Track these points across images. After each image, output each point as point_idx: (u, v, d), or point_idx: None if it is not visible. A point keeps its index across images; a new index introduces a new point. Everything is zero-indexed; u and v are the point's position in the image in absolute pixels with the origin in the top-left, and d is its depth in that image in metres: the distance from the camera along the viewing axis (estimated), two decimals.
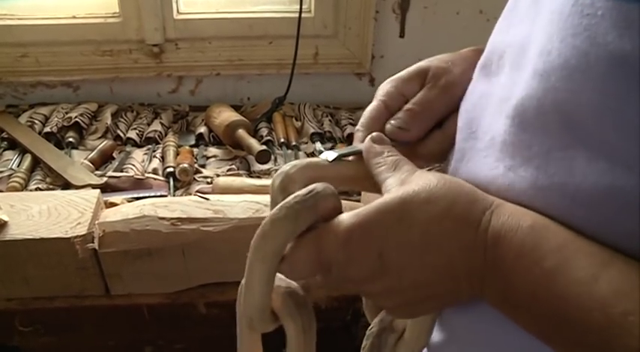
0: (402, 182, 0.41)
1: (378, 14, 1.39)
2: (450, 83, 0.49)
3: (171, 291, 0.90)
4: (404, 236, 0.38)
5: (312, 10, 1.36)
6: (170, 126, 1.32)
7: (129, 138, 1.24)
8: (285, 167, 0.45)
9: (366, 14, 1.38)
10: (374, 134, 0.46)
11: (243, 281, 0.44)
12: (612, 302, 0.31)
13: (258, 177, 1.16)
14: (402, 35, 1.46)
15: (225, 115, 1.26)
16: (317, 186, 0.40)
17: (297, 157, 1.23)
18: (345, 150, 0.48)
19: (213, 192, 1.01)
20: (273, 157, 1.18)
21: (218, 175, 1.14)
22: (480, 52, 0.54)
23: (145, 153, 1.20)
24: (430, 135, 0.50)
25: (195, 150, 1.23)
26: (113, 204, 0.97)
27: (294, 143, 1.27)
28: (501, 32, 0.46)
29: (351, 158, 0.48)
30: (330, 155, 0.47)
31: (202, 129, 1.28)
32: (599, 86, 0.32)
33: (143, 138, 1.25)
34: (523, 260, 0.35)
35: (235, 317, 0.91)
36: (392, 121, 0.49)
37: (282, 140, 1.27)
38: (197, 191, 1.08)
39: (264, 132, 1.29)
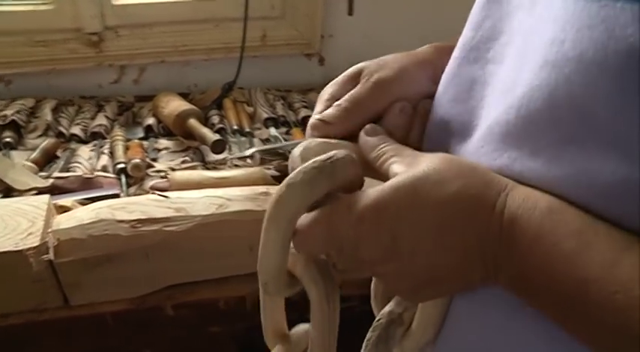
0: (410, 164, 0.40)
1: None
2: (381, 79, 0.48)
3: (136, 296, 0.86)
4: (417, 217, 0.37)
5: None
6: (115, 118, 1.25)
7: (73, 135, 1.17)
8: (305, 142, 0.45)
9: None
10: (367, 127, 0.45)
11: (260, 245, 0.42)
12: (635, 285, 0.30)
13: (214, 167, 1.12)
14: (350, 13, 1.43)
15: (174, 104, 1.20)
16: (337, 152, 0.39)
17: (251, 144, 1.19)
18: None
19: (170, 189, 0.96)
20: (227, 146, 1.14)
21: (172, 169, 1.09)
22: (436, 47, 0.53)
23: (92, 150, 1.14)
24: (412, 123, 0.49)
25: (145, 143, 1.17)
26: (64, 208, 0.91)
27: (247, 129, 1.23)
28: (490, 17, 0.44)
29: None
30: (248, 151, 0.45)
31: (151, 121, 1.22)
32: (617, 80, 0.31)
33: (88, 133, 1.19)
34: (541, 242, 0.34)
35: (205, 315, 0.88)
36: (314, 116, 0.48)
37: (235, 127, 1.23)
38: (152, 187, 1.03)
39: (215, 119, 1.24)
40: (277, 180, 1.07)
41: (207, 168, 1.10)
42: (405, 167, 0.40)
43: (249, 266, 0.90)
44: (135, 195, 1.02)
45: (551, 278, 0.34)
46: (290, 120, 1.28)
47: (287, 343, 0.51)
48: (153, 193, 0.88)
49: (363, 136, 0.45)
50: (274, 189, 0.91)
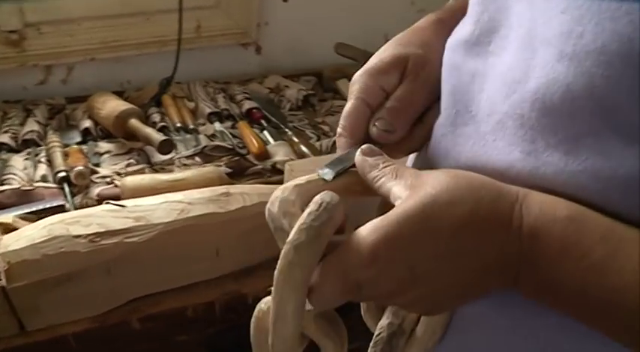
0: (412, 187, 0.38)
1: None
2: (431, 75, 0.47)
3: (99, 313, 0.81)
4: (432, 245, 0.36)
5: None
6: (47, 123, 1.17)
7: (2, 144, 1.08)
8: (277, 193, 0.41)
9: None
10: (364, 147, 0.43)
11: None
12: None
13: (162, 168, 1.07)
14: None
15: (111, 105, 1.13)
16: (323, 197, 0.38)
17: (197, 141, 1.15)
18: (338, 165, 0.44)
19: (123, 196, 0.91)
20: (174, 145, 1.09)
21: (118, 173, 1.04)
22: (440, 22, 0.52)
23: (27, 159, 1.06)
24: (413, 131, 0.48)
25: (84, 147, 1.10)
26: (4, 225, 0.84)
27: (191, 126, 1.18)
28: (487, 11, 0.44)
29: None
30: (327, 174, 0.43)
31: (87, 124, 1.14)
32: None
33: (19, 141, 1.10)
34: (568, 255, 0.34)
35: (173, 325, 0.84)
36: (376, 123, 0.46)
37: (178, 124, 1.18)
38: (99, 194, 0.97)
39: (156, 118, 1.19)
40: (231, 177, 1.04)
41: (156, 170, 1.06)
42: (408, 190, 0.38)
43: (216, 270, 0.88)
44: (81, 204, 0.96)
45: (581, 288, 0.34)
46: (234, 113, 1.24)
47: None
48: (107, 203, 0.83)
49: (358, 157, 0.43)
50: (234, 189, 0.88)
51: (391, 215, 0.36)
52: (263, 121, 1.22)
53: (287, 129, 1.20)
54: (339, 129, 0.47)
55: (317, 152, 1.12)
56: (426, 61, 0.47)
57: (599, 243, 0.33)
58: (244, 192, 0.87)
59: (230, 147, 1.13)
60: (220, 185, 0.94)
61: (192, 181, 0.93)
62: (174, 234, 0.80)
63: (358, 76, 0.48)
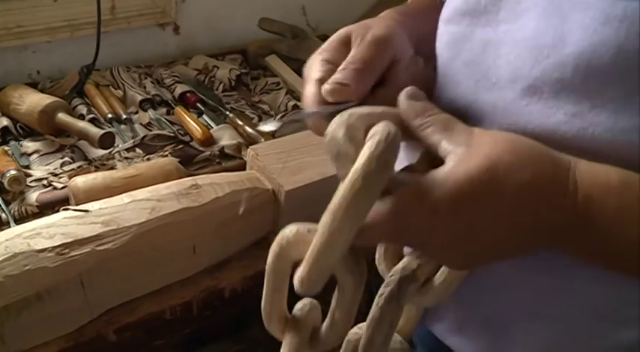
0: (468, 145, 0.38)
1: None
2: (378, 36, 0.47)
3: (72, 330, 0.73)
4: (493, 207, 0.37)
5: None
6: None
7: None
8: (343, 117, 0.40)
9: None
10: (407, 89, 0.42)
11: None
12: None
13: (103, 164, 0.98)
14: None
15: (32, 99, 1.02)
16: (390, 128, 0.37)
17: (134, 131, 1.07)
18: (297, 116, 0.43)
19: (75, 200, 0.82)
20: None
21: (55, 174, 0.94)
22: (403, 14, 0.53)
23: None
24: (375, 94, 0.47)
25: (7, 148, 0.98)
26: None
27: (124, 116, 1.09)
28: None
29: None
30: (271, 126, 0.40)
31: (5, 122, 1.02)
32: None
33: None
34: (624, 218, 0.36)
35: (151, 331, 0.79)
36: (329, 82, 0.45)
37: (109, 115, 1.08)
38: (39, 200, 0.88)
39: (83, 110, 1.08)
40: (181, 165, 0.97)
41: (97, 167, 0.97)
42: (462, 147, 0.38)
43: (192, 268, 0.83)
44: (19, 213, 0.86)
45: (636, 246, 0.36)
46: (167, 98, 1.16)
47: (295, 327, 0.48)
48: (66, 209, 0.75)
49: (404, 101, 0.42)
50: (202, 180, 0.83)
51: (455, 173, 0.37)
52: (199, 105, 1.15)
53: (226, 112, 1.14)
54: (306, 111, 0.46)
55: (264, 132, 1.07)
56: (368, 29, 0.47)
57: None
58: (213, 183, 0.82)
59: (171, 135, 1.06)
60: (178, 177, 0.88)
61: (151, 176, 0.86)
62: (148, 236, 0.74)
63: (310, 60, 0.48)
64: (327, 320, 0.47)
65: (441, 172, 0.37)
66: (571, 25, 0.38)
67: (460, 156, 0.38)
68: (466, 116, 0.45)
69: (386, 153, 0.36)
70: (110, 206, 0.75)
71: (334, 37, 0.49)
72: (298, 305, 0.49)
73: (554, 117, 0.40)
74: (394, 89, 0.44)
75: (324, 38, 1.49)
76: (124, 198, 0.77)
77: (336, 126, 0.40)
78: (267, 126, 0.40)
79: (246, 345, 1.05)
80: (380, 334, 0.46)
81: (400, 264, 0.48)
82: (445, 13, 0.50)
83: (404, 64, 0.48)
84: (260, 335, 1.06)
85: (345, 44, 0.48)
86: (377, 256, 0.53)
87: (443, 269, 0.47)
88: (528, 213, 0.37)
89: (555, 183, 0.37)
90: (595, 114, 0.38)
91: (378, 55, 0.46)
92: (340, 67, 0.45)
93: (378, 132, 0.37)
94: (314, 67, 0.47)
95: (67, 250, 0.69)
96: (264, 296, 0.47)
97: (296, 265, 0.40)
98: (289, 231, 0.42)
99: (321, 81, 0.45)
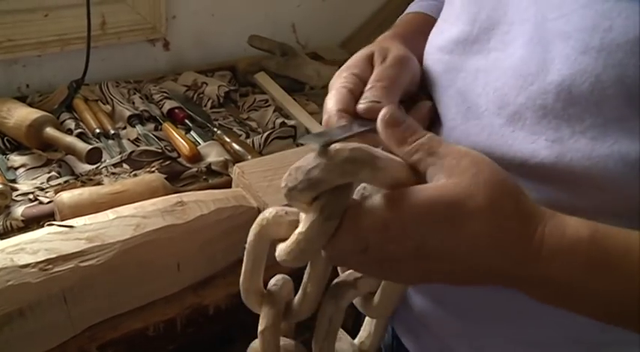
0: (451, 174, 0.38)
1: None
2: (397, 57, 0.49)
3: (55, 346, 0.73)
4: (450, 236, 0.37)
5: None
6: None
7: None
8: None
9: None
10: (384, 112, 0.41)
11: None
12: None
13: (89, 179, 0.99)
14: None
15: (20, 113, 1.02)
16: (339, 192, 0.39)
17: (121, 147, 1.07)
18: (336, 133, 0.43)
19: (60, 215, 0.82)
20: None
21: (41, 188, 0.94)
22: (403, 38, 0.54)
23: None
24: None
25: None
26: None
27: (112, 131, 1.10)
28: (484, 9, 0.46)
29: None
30: (315, 143, 0.40)
31: None
32: None
33: None
34: (594, 271, 0.36)
35: (134, 348, 0.79)
36: (362, 100, 0.46)
37: (97, 130, 1.09)
38: (25, 214, 0.88)
39: (71, 124, 1.09)
40: (168, 181, 0.98)
41: (83, 182, 0.97)
42: (446, 174, 0.38)
43: (177, 285, 0.83)
44: (4, 227, 0.87)
45: (605, 292, 0.37)
46: (155, 114, 1.17)
47: (271, 301, 0.54)
48: (51, 224, 0.75)
49: (383, 130, 0.41)
50: (187, 197, 0.84)
51: (421, 194, 0.37)
52: (187, 121, 1.16)
53: (214, 128, 1.15)
54: (328, 112, 0.47)
55: (251, 149, 1.08)
56: (389, 50, 0.50)
57: (623, 257, 0.36)
58: (199, 200, 0.83)
59: (159, 151, 1.06)
60: (165, 193, 0.88)
61: (137, 192, 0.86)
62: (133, 252, 0.74)
63: (336, 75, 0.50)
64: (300, 293, 0.52)
65: (402, 193, 0.38)
66: (554, 54, 0.40)
67: (432, 185, 0.38)
68: (451, 138, 0.47)
69: (325, 225, 0.39)
70: (95, 222, 0.76)
71: (359, 55, 0.51)
72: (272, 281, 0.55)
73: (536, 142, 0.41)
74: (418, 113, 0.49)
75: (313, 56, 1.52)
76: (109, 214, 0.78)
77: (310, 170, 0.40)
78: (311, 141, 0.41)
79: None
80: (321, 328, 0.52)
81: (348, 271, 0.53)
82: (439, 41, 0.51)
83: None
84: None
85: (369, 61, 0.50)
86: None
87: (380, 290, 0.51)
88: (483, 255, 0.37)
89: (519, 239, 0.37)
90: (574, 141, 0.39)
91: (401, 73, 0.48)
92: (368, 85, 0.47)
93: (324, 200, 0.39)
94: (342, 78, 0.49)
95: (50, 266, 0.69)
96: (242, 272, 0.53)
97: (273, 243, 0.45)
98: (269, 212, 0.46)
99: (351, 91, 0.47)
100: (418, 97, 0.53)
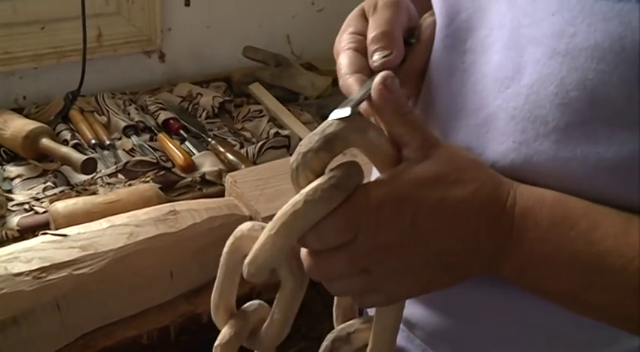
0: (426, 154, 0.40)
1: None
2: (386, 1, 0.49)
3: None
4: (437, 210, 0.39)
5: None
6: None
7: None
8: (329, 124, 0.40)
9: None
10: (383, 75, 0.41)
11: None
12: None
13: (85, 189, 1.00)
14: (187, 3, 1.35)
15: (16, 124, 1.03)
16: (353, 168, 0.40)
17: (117, 157, 1.08)
18: (355, 97, 0.43)
19: (55, 224, 0.83)
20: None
21: (37, 198, 0.95)
22: None
23: None
24: (407, 53, 0.49)
25: None
26: None
27: (107, 142, 1.11)
28: (465, 11, 0.47)
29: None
30: (344, 112, 0.40)
31: None
32: (635, 66, 0.36)
33: None
34: (557, 228, 0.39)
35: None
36: (374, 56, 0.47)
37: (93, 141, 1.10)
38: (21, 224, 0.89)
39: (67, 135, 1.10)
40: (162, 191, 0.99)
41: (78, 192, 0.98)
42: (419, 151, 0.40)
43: (170, 293, 0.84)
44: (0, 237, 0.87)
45: (571, 257, 0.38)
46: (150, 125, 1.18)
47: (237, 321, 0.52)
48: (45, 233, 0.76)
49: (377, 90, 0.41)
50: (180, 206, 0.85)
51: (406, 175, 0.40)
52: (182, 132, 1.18)
53: (209, 139, 1.16)
54: (343, 74, 0.47)
55: (245, 159, 1.09)
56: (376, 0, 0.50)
57: (583, 217, 0.39)
58: (191, 209, 0.84)
59: (154, 161, 1.07)
60: (158, 203, 0.89)
61: (131, 201, 0.88)
62: (126, 261, 0.76)
63: (336, 42, 0.50)
64: (268, 319, 0.50)
65: (392, 172, 0.40)
66: (526, 58, 0.41)
67: (415, 162, 0.40)
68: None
69: (334, 188, 0.38)
70: (88, 231, 0.77)
71: (351, 15, 0.52)
72: (247, 304, 0.53)
73: (505, 144, 0.43)
74: (424, 43, 0.49)
75: (308, 66, 1.53)
76: (103, 222, 0.79)
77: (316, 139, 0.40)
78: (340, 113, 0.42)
79: None
80: None
81: (342, 325, 0.51)
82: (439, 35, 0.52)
83: (422, 22, 0.51)
84: None
85: (363, 16, 0.51)
86: (334, 306, 0.55)
87: (372, 336, 0.48)
88: (467, 220, 0.40)
89: (495, 199, 0.40)
90: (539, 143, 0.41)
91: (396, 12, 0.48)
92: (370, 36, 0.47)
93: (343, 168, 0.39)
94: (344, 40, 0.49)
95: (44, 274, 0.70)
96: (215, 286, 0.51)
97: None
98: (245, 225, 0.46)
99: (356, 50, 0.48)
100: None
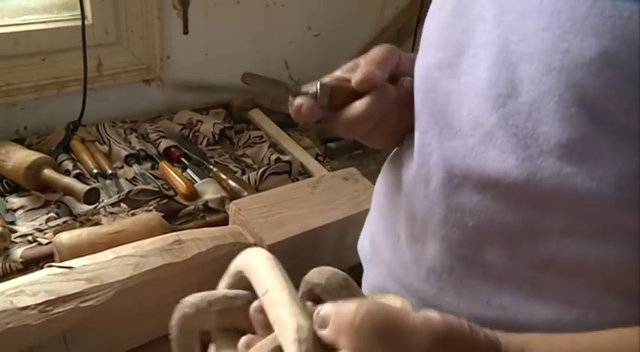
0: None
1: (160, 12, 1.27)
2: (380, 46, 0.53)
3: None
4: None
5: (90, 17, 1.19)
6: None
7: None
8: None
9: (148, 14, 1.25)
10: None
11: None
12: None
13: (88, 219, 1.00)
14: (185, 31, 1.37)
15: (18, 156, 1.04)
16: None
17: (119, 186, 1.08)
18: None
19: (60, 256, 0.83)
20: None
21: (40, 230, 0.95)
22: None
23: None
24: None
25: None
26: None
27: (109, 171, 1.11)
28: (453, 34, 0.48)
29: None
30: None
31: None
32: (632, 79, 0.36)
33: None
34: None
35: None
36: (357, 73, 0.51)
37: (95, 171, 1.10)
38: (24, 256, 0.89)
39: (69, 165, 1.10)
40: (165, 219, 0.99)
41: (82, 223, 0.98)
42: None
43: None
44: (3, 269, 0.87)
45: None
46: (151, 153, 1.19)
47: None
48: (50, 266, 0.76)
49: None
50: (185, 235, 0.85)
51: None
52: (184, 159, 1.18)
53: (210, 166, 1.17)
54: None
55: (247, 186, 1.10)
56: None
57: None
58: (196, 238, 0.84)
59: (156, 189, 1.07)
60: (162, 232, 0.89)
61: (135, 231, 0.88)
62: (132, 292, 0.75)
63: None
64: None
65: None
66: (521, 75, 0.41)
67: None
68: (430, 160, 0.49)
69: None
70: (94, 262, 0.77)
71: (344, 66, 0.55)
72: None
73: (507, 161, 0.42)
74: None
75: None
76: (108, 254, 0.79)
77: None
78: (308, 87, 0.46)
79: None
80: None
81: None
82: (418, 66, 0.52)
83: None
84: None
85: (355, 63, 0.54)
86: None
87: None
88: None
89: None
90: (543, 159, 0.40)
91: (387, 53, 0.53)
92: (359, 69, 0.51)
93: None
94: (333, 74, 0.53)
95: (50, 307, 0.70)
96: None
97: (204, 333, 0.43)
98: (188, 306, 0.44)
99: (343, 73, 0.53)
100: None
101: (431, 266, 0.50)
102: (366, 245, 0.64)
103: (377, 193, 0.62)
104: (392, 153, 0.61)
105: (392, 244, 0.56)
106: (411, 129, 0.53)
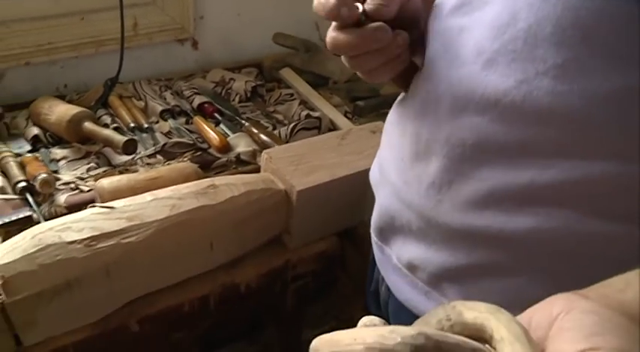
0: None
1: None
2: None
3: (98, 319, 0.79)
4: None
5: None
6: None
7: None
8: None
9: None
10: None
11: None
12: None
13: (126, 169, 1.04)
14: None
15: (60, 110, 1.08)
16: None
17: (155, 139, 1.13)
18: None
19: (101, 199, 0.88)
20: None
21: (81, 178, 1.00)
22: None
23: None
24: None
25: (37, 155, 1.05)
26: None
27: (146, 125, 1.15)
28: None
29: None
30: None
31: (36, 131, 1.09)
32: (622, 3, 0.40)
33: None
34: None
35: (170, 323, 0.83)
36: (369, 2, 0.49)
37: (132, 124, 1.14)
38: (67, 201, 0.94)
39: (107, 119, 1.15)
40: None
41: (120, 172, 1.03)
42: None
43: (210, 263, 0.88)
44: (49, 213, 0.92)
45: None
46: (186, 109, 1.23)
47: None
48: (93, 206, 0.80)
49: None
50: (219, 181, 0.88)
51: None
52: (217, 115, 1.22)
53: (242, 121, 1.20)
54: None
55: (278, 139, 1.13)
56: None
57: None
58: (230, 183, 0.87)
59: (191, 142, 1.11)
60: (197, 179, 0.93)
61: (172, 178, 0.92)
62: (169, 231, 0.80)
63: None
64: None
65: None
66: (521, 4, 0.45)
67: None
68: (438, 88, 0.52)
69: None
70: (134, 203, 0.81)
71: None
72: None
73: (506, 83, 0.46)
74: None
75: None
76: (147, 196, 0.83)
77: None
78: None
79: (260, 347, 1.10)
80: None
81: None
82: (437, 11, 0.55)
83: None
84: (274, 337, 1.11)
85: None
86: None
87: None
88: None
89: None
90: (539, 80, 0.45)
91: None
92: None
93: None
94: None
95: (94, 242, 0.75)
96: None
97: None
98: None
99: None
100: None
101: (431, 181, 0.54)
102: (375, 171, 0.69)
103: (387, 123, 0.66)
104: (401, 95, 0.63)
105: (397, 166, 0.60)
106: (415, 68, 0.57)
